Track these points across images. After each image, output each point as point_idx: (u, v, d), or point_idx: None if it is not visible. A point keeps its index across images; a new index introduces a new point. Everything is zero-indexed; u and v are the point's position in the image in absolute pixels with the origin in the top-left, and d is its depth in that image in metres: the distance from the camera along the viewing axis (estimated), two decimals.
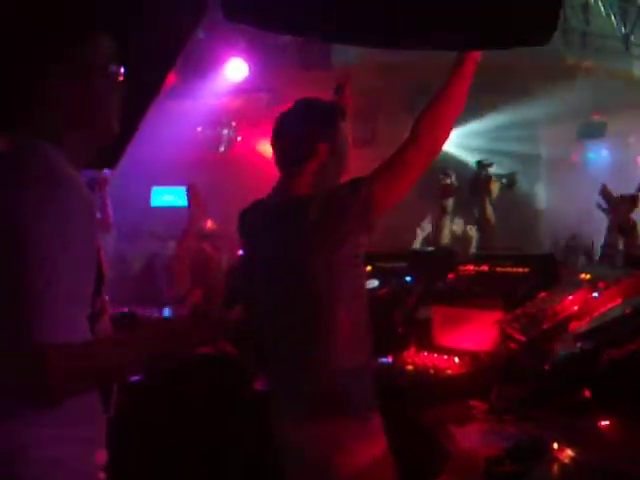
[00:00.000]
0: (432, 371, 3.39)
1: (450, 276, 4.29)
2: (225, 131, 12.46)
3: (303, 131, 2.75)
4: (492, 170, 8.68)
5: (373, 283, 4.26)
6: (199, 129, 12.43)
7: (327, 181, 2.72)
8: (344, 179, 2.73)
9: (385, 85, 11.83)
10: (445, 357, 3.54)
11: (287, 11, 2.31)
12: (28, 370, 1.65)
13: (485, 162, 8.72)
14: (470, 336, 3.62)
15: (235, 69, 11.00)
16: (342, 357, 2.56)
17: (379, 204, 2.56)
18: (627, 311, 2.78)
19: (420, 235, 8.94)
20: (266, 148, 12.74)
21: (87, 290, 1.84)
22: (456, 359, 3.48)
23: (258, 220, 2.80)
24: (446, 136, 2.62)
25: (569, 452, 2.30)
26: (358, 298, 2.64)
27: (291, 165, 2.75)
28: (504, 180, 8.63)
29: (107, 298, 1.99)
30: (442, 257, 4.88)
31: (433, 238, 8.67)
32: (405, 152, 2.56)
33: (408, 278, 4.36)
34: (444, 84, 2.60)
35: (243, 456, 3.81)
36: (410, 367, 3.49)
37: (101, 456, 1.92)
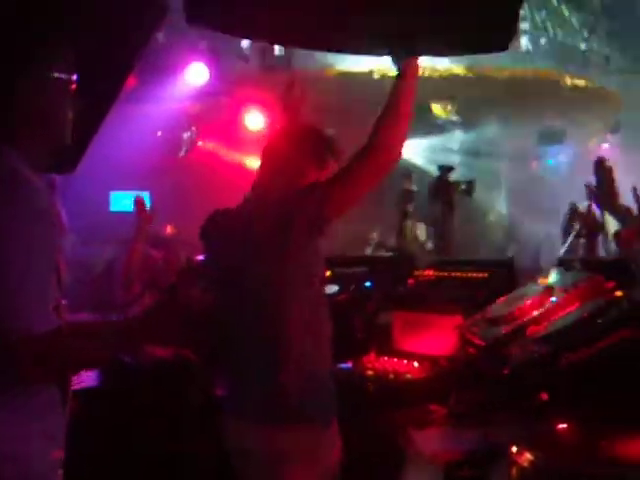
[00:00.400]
0: (392, 376, 3.40)
1: (410, 281, 4.31)
2: (185, 135, 12.40)
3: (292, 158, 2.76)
4: (452, 176, 8.75)
5: (333, 288, 4.26)
6: (159, 133, 12.36)
7: None
8: None
9: (347, 90, 11.86)
10: (405, 362, 3.55)
11: (250, 16, 2.31)
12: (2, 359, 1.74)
13: (447, 166, 8.80)
14: (430, 341, 3.64)
15: (196, 73, 10.97)
16: (298, 364, 2.55)
17: (333, 209, 2.55)
18: (584, 315, 2.81)
19: (374, 240, 8.98)
20: (226, 152, 12.73)
21: (51, 290, 1.87)
22: (416, 364, 3.49)
23: (228, 227, 2.78)
24: (401, 144, 2.62)
25: (527, 455, 2.31)
26: (316, 304, 2.63)
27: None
28: (463, 186, 8.70)
29: (64, 302, 1.99)
30: (402, 262, 4.90)
31: (395, 243, 8.71)
32: (362, 159, 2.56)
33: (368, 283, 4.37)
34: (389, 98, 2.59)
35: (200, 461, 3.78)
36: (370, 372, 3.49)
37: (59, 453, 1.94)
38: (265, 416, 2.55)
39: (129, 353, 2.17)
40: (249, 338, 2.62)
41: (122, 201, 13.28)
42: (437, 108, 14.75)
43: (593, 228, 5.35)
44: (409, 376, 3.38)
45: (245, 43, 11.92)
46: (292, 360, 2.55)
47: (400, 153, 2.60)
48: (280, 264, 2.55)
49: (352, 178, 2.57)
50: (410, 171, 10.61)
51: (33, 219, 1.78)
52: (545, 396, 2.56)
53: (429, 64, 12.93)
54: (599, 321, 2.69)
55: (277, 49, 12.19)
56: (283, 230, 2.53)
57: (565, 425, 2.49)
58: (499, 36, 2.47)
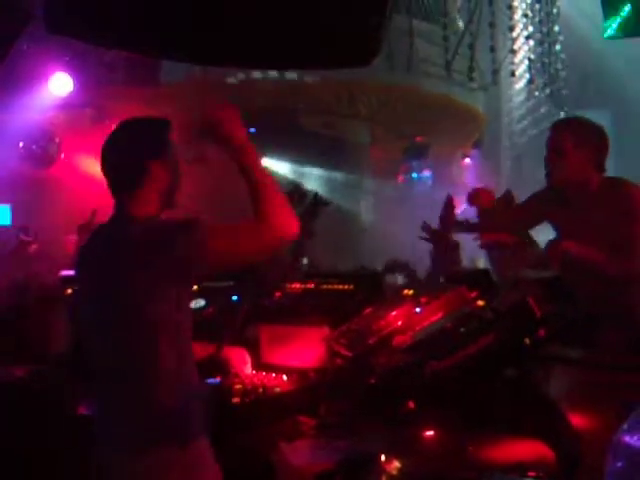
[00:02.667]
0: (260, 389, 3.39)
1: (277, 294, 4.31)
2: (48, 147, 12.07)
3: (131, 150, 2.68)
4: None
5: (199, 303, 4.22)
6: (21, 144, 11.98)
7: (162, 198, 2.68)
8: (177, 198, 2.70)
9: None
10: (273, 375, 3.55)
11: (111, 25, 2.27)
12: None
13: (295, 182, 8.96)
14: (298, 353, 3.64)
15: (59, 83, 10.70)
16: (166, 388, 2.50)
17: (205, 260, 2.51)
18: (448, 325, 2.87)
19: None
20: (90, 165, 12.46)
21: None
22: (284, 377, 3.49)
23: (95, 247, 2.71)
24: (292, 224, 2.60)
25: (396, 463, 2.35)
26: (183, 330, 2.59)
27: (125, 187, 2.67)
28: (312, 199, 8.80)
29: None
30: (268, 275, 4.89)
31: None
32: (255, 226, 2.55)
33: (235, 297, 4.35)
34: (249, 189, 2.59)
35: None
36: (239, 386, 3.47)
37: None
38: (138, 440, 2.51)
39: None
40: (119, 363, 2.58)
41: None
42: (306, 120, 14.84)
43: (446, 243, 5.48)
44: (278, 389, 3.37)
45: (111, 54, 11.71)
46: (161, 384, 2.51)
47: (294, 230, 2.58)
48: (146, 294, 2.51)
49: (240, 238, 2.55)
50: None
51: None
52: (412, 404, 2.60)
53: (300, 77, 13.05)
54: (462, 330, 2.75)
55: (144, 61, 12.04)
56: (147, 266, 2.49)
57: (431, 432, 2.54)
58: (362, 51, 2.51)
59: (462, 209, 4.93)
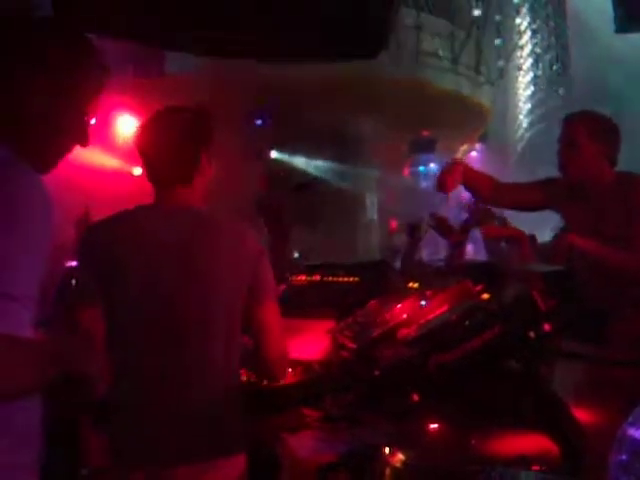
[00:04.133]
0: (264, 381, 3.39)
1: (282, 287, 4.31)
2: None
3: (189, 140, 2.67)
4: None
5: None
6: None
7: (206, 190, 2.71)
8: None
9: (222, 97, 11.83)
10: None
11: (117, 16, 2.27)
12: None
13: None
14: (303, 345, 3.65)
15: None
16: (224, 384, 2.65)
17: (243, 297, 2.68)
18: (453, 318, 2.86)
19: None
20: (94, 158, 12.50)
21: None
22: (289, 368, 3.50)
23: (157, 229, 2.67)
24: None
25: (400, 456, 2.35)
26: None
27: (180, 177, 2.66)
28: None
29: None
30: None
31: None
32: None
33: None
34: None
35: None
36: (243, 377, 3.47)
37: None
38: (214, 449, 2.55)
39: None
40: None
41: None
42: (312, 115, 14.84)
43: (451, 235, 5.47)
44: (282, 381, 3.38)
45: (116, 45, 11.72)
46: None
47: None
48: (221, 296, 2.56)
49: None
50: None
51: None
52: (416, 397, 2.60)
53: (307, 68, 13.04)
54: (467, 323, 2.75)
55: (150, 53, 12.04)
56: (238, 267, 2.59)
57: (436, 425, 2.54)
58: (369, 44, 2.51)
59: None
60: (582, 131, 3.87)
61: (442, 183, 3.97)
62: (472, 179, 4.18)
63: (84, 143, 2.03)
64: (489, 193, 4.22)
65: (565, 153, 3.95)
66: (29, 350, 1.71)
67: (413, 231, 7.50)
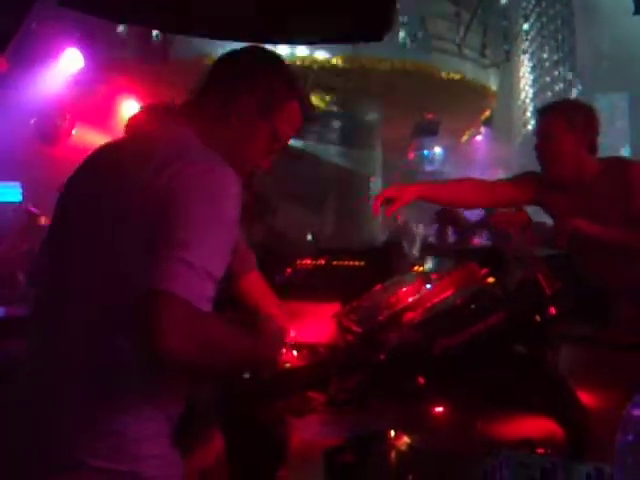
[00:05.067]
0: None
1: (288, 271, 4.32)
2: (59, 124, 12.09)
3: None
4: None
5: None
6: (32, 121, 12.00)
7: None
8: None
9: None
10: (284, 350, 3.56)
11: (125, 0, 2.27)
12: (150, 310, 1.66)
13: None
14: (308, 329, 3.65)
15: (70, 60, 10.71)
16: None
17: None
18: (458, 301, 2.87)
19: None
20: (102, 141, 12.44)
21: None
22: (294, 352, 3.50)
23: None
24: None
25: (406, 439, 2.36)
26: None
27: None
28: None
29: None
30: (280, 251, 4.90)
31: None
32: None
33: None
34: None
35: None
36: None
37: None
38: None
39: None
40: None
41: None
42: (316, 99, 14.84)
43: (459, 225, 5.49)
44: (288, 365, 3.38)
45: (122, 29, 11.71)
46: None
47: None
48: None
49: None
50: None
51: None
52: (421, 380, 2.61)
53: (308, 54, 13.00)
54: (472, 307, 2.76)
55: (155, 37, 12.00)
56: None
57: (441, 408, 2.55)
58: (375, 27, 2.50)
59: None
60: (557, 123, 3.81)
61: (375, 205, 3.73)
62: (444, 196, 4.07)
63: (265, 168, 2.28)
64: (477, 199, 4.14)
65: (543, 147, 3.88)
66: (241, 334, 2.05)
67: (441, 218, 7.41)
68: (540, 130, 3.89)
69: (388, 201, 3.66)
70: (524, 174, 4.16)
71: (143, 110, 2.86)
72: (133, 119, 3.08)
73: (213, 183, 1.88)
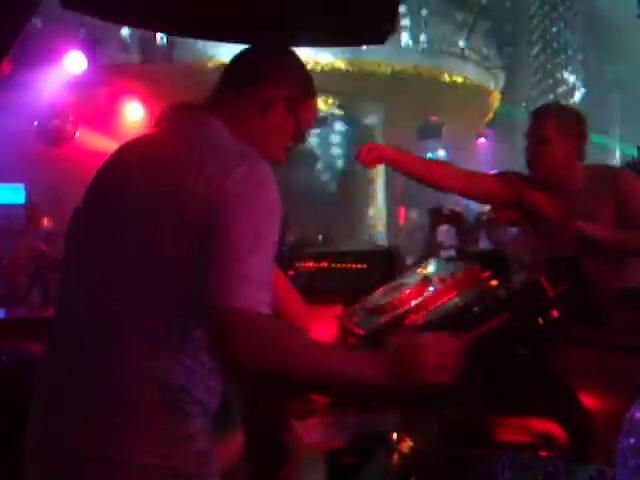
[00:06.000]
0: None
1: (290, 273, 4.32)
2: (63, 125, 12.10)
3: None
4: None
5: None
6: (35, 123, 12.02)
7: None
8: None
9: None
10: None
11: (125, 1, 2.27)
12: (226, 329, 1.76)
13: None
14: (310, 332, 3.65)
15: (74, 62, 10.72)
16: None
17: None
18: (461, 304, 2.87)
19: None
20: (105, 143, 12.51)
21: None
22: None
23: None
24: None
25: (408, 441, 2.36)
26: None
27: None
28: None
29: None
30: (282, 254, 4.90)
31: None
32: None
33: None
34: None
35: None
36: None
37: None
38: None
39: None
40: None
41: None
42: (319, 101, 14.85)
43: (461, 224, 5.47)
44: None
45: (125, 32, 11.73)
46: None
47: None
48: None
49: None
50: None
51: None
52: None
53: (311, 57, 13.01)
54: (475, 309, 2.76)
55: (159, 40, 12.02)
56: None
57: (443, 411, 2.55)
58: (377, 29, 2.50)
59: None
60: (552, 126, 3.78)
61: (360, 154, 3.75)
62: (417, 169, 4.01)
63: (283, 163, 2.27)
64: (453, 183, 4.02)
65: (534, 149, 3.86)
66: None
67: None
68: (533, 132, 3.87)
69: (370, 151, 3.73)
70: (509, 171, 4.14)
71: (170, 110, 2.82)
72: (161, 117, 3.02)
73: (259, 190, 1.89)
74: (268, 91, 2.16)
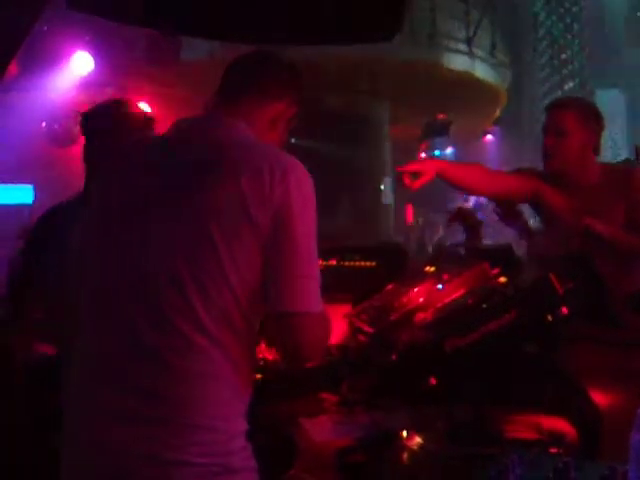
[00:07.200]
0: (283, 366, 3.40)
1: None
2: (70, 126, 12.13)
3: None
4: None
5: None
6: (43, 124, 12.04)
7: None
8: None
9: None
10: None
11: (131, 1, 2.27)
12: (296, 333, 2.00)
13: None
14: None
15: (81, 63, 10.75)
16: None
17: None
18: (469, 302, 2.87)
19: None
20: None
21: None
22: None
23: None
24: None
25: (417, 439, 2.36)
26: None
27: None
28: None
29: None
30: None
31: None
32: None
33: None
34: None
35: None
36: (261, 362, 3.48)
37: None
38: None
39: None
40: None
41: (3, 194, 12.91)
42: (325, 98, 14.81)
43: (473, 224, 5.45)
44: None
45: (131, 32, 11.73)
46: None
47: None
48: None
49: None
50: None
51: None
52: (433, 381, 2.61)
53: (321, 52, 12.99)
54: (484, 306, 2.75)
55: (165, 39, 12.01)
56: None
57: (452, 409, 2.55)
58: (385, 27, 2.50)
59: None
60: (571, 119, 3.75)
61: (404, 179, 3.64)
62: (458, 176, 3.88)
63: None
64: (480, 186, 3.98)
65: (551, 142, 3.81)
66: None
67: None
68: (551, 124, 3.83)
69: (414, 175, 3.63)
70: (526, 168, 4.13)
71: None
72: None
73: (307, 191, 2.03)
74: (268, 104, 2.25)
